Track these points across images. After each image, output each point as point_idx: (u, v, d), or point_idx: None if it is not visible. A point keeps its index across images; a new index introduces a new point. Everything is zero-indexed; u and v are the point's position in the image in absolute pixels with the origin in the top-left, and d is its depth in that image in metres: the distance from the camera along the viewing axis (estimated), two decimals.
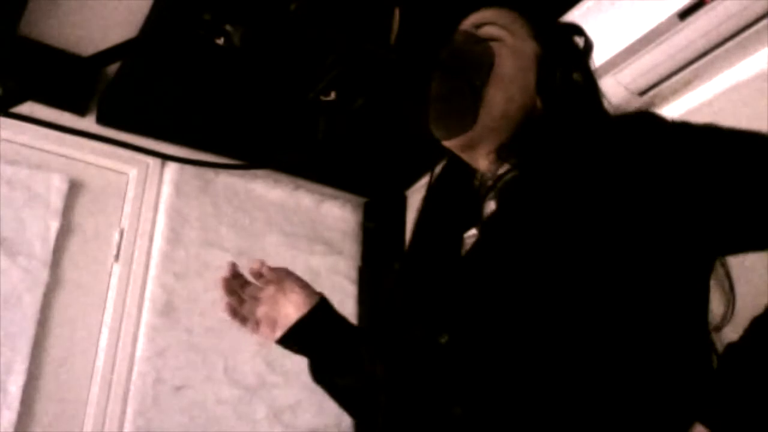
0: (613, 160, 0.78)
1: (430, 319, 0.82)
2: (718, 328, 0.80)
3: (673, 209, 0.75)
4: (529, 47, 0.92)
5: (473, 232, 0.87)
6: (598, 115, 0.92)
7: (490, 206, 0.87)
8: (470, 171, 0.96)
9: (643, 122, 0.82)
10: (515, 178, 0.84)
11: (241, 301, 1.05)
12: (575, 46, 0.95)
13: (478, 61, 0.90)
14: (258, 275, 1.05)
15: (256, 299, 1.05)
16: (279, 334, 1.02)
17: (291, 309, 1.02)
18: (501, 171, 0.87)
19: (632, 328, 0.72)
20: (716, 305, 0.81)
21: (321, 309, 1.02)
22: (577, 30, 0.97)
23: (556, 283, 0.73)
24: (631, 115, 0.87)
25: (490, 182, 0.88)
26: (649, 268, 0.74)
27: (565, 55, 0.92)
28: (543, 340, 0.72)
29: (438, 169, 1.02)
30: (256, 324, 1.04)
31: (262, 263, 1.05)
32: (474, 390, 0.73)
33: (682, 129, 0.80)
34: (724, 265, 0.83)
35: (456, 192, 0.97)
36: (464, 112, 0.89)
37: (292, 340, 1.01)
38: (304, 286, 1.04)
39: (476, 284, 0.79)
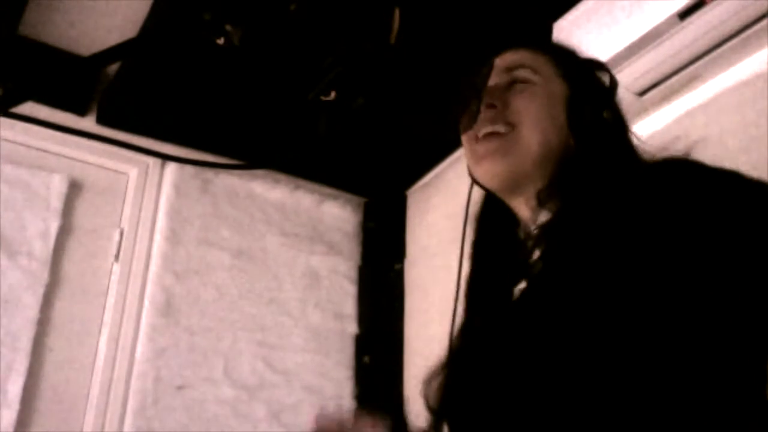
0: (658, 206, 0.76)
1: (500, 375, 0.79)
2: None
3: (729, 264, 0.71)
4: (557, 87, 0.95)
5: (523, 285, 0.87)
6: (630, 153, 0.93)
7: (537, 256, 0.86)
8: (513, 220, 0.97)
9: (691, 169, 0.79)
10: (556, 223, 0.85)
11: None
12: (601, 83, 0.98)
13: (510, 103, 0.94)
14: None
15: None
16: None
17: None
18: (542, 219, 0.88)
19: (687, 384, 0.69)
20: None
21: None
22: (601, 66, 1.00)
23: (606, 336, 0.71)
24: (676, 159, 0.84)
25: (534, 231, 0.88)
26: (705, 318, 0.71)
27: (593, 93, 0.95)
28: (594, 394, 0.70)
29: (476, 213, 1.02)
30: None
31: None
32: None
33: (732, 179, 0.77)
34: None
35: (501, 244, 0.97)
36: (498, 145, 0.92)
37: None
38: None
39: (523, 338, 0.77)
